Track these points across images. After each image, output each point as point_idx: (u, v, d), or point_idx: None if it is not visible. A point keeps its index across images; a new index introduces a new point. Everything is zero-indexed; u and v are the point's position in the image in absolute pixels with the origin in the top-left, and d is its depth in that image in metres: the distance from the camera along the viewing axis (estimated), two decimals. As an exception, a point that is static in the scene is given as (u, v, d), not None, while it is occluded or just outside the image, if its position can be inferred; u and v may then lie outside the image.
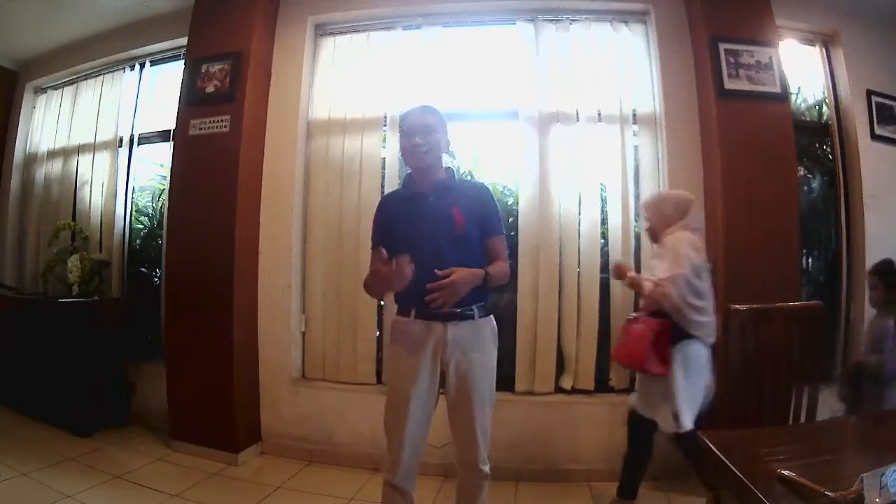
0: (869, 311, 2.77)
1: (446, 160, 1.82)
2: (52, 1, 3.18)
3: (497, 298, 2.80)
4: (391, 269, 1.45)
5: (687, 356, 1.97)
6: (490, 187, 1.79)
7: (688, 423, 1.93)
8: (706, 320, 1.98)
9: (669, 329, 1.95)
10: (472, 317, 1.61)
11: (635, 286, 2.13)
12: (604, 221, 2.81)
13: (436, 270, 1.50)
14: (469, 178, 3.13)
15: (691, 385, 1.97)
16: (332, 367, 2.93)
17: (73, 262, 3.25)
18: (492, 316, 1.69)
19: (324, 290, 2.94)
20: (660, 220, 2.15)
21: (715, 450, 1.22)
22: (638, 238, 2.78)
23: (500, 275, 1.64)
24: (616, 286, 2.74)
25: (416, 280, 1.50)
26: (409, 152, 1.66)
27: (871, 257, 2.74)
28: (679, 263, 1.95)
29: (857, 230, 2.80)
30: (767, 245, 2.44)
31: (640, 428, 2.13)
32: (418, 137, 1.62)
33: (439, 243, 1.58)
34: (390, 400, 1.66)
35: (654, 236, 2.17)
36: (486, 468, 1.63)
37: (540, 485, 2.51)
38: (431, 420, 1.66)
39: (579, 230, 2.78)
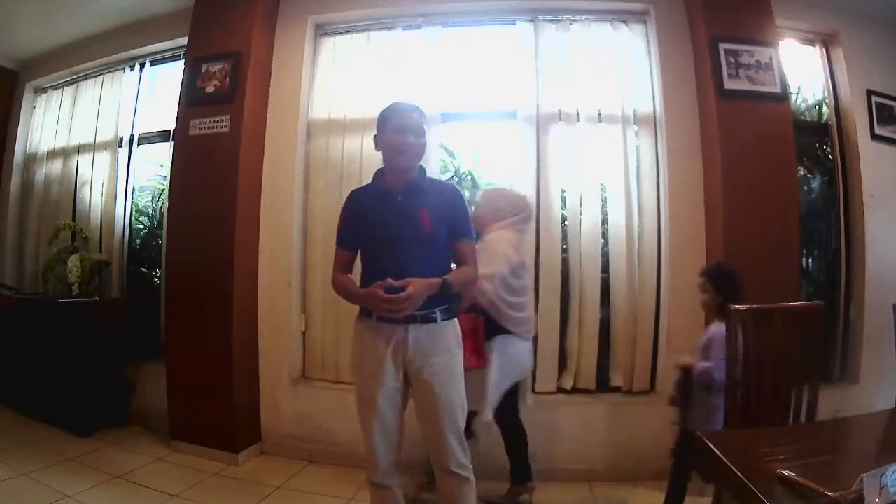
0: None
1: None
2: (52, 1, 3.18)
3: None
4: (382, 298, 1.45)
5: (503, 350, 2.04)
6: (459, 189, 1.75)
7: (488, 414, 2.00)
8: (522, 316, 2.07)
9: (483, 324, 2.01)
10: (434, 320, 1.59)
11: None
12: (604, 221, 2.81)
13: (390, 280, 1.47)
14: (460, 178, 3.14)
15: (504, 377, 2.04)
16: (333, 367, 2.93)
17: (73, 262, 3.24)
18: (456, 320, 1.66)
19: (324, 289, 2.94)
20: (490, 213, 2.18)
21: (715, 450, 1.22)
22: (639, 238, 2.78)
23: (464, 281, 1.62)
24: (616, 286, 2.74)
25: (378, 280, 1.50)
26: (399, 150, 1.61)
27: (872, 257, 2.75)
28: (495, 262, 2.01)
29: (857, 230, 2.80)
30: (767, 245, 2.44)
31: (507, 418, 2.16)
32: (412, 137, 1.61)
33: (406, 244, 1.56)
34: (359, 400, 1.65)
35: (480, 229, 2.16)
36: (464, 472, 1.59)
37: (540, 485, 2.51)
38: (403, 418, 1.66)
39: (579, 230, 2.78)
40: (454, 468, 1.58)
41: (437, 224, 1.60)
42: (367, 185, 1.74)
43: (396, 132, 1.62)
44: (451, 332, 1.64)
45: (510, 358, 2.08)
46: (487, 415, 2.02)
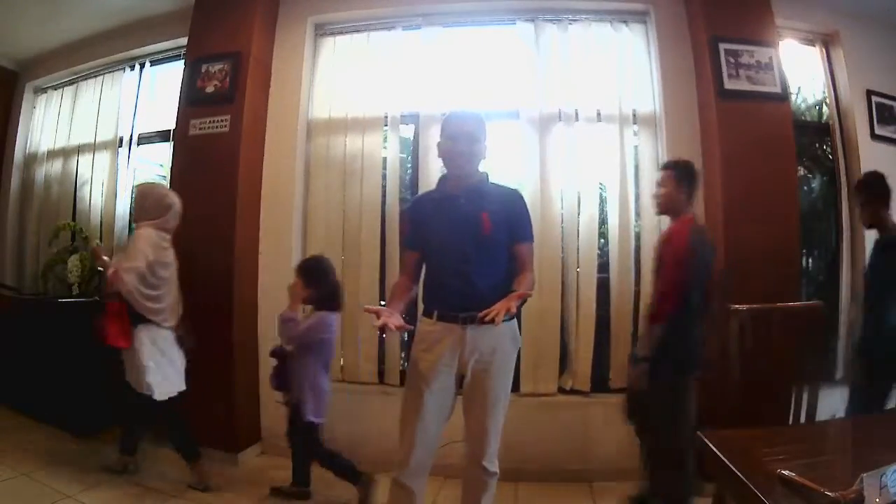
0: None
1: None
2: (52, 1, 3.18)
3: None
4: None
5: (147, 335, 2.29)
6: (521, 194, 1.77)
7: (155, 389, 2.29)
8: (159, 307, 2.32)
9: (126, 309, 2.24)
10: (492, 321, 1.60)
11: (103, 266, 2.33)
12: (603, 221, 2.81)
13: (479, 315, 1.44)
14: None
15: (160, 361, 2.33)
16: (334, 367, 2.92)
17: (73, 262, 3.24)
18: (514, 320, 1.69)
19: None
20: (139, 211, 2.42)
21: (715, 450, 1.22)
22: (638, 237, 2.78)
23: (530, 289, 1.61)
24: (615, 286, 2.74)
25: (440, 282, 1.56)
26: (449, 157, 1.67)
27: (871, 257, 2.74)
28: (135, 257, 2.23)
29: (857, 230, 2.80)
30: (767, 245, 2.43)
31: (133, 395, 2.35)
32: (462, 144, 1.64)
33: (466, 246, 1.60)
34: (406, 397, 1.68)
35: (137, 221, 2.42)
36: (494, 467, 1.65)
37: (540, 485, 2.51)
38: (444, 424, 1.67)
39: (579, 230, 2.78)
40: (486, 462, 1.62)
41: (498, 227, 1.63)
42: (431, 191, 1.82)
43: (446, 139, 1.68)
44: (507, 332, 1.66)
45: (159, 343, 2.35)
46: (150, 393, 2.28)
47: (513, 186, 1.81)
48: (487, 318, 1.40)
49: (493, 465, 1.65)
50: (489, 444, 1.63)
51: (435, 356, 1.62)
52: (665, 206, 2.16)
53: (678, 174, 2.13)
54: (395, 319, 1.45)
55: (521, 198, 1.75)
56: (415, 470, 1.63)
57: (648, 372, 1.96)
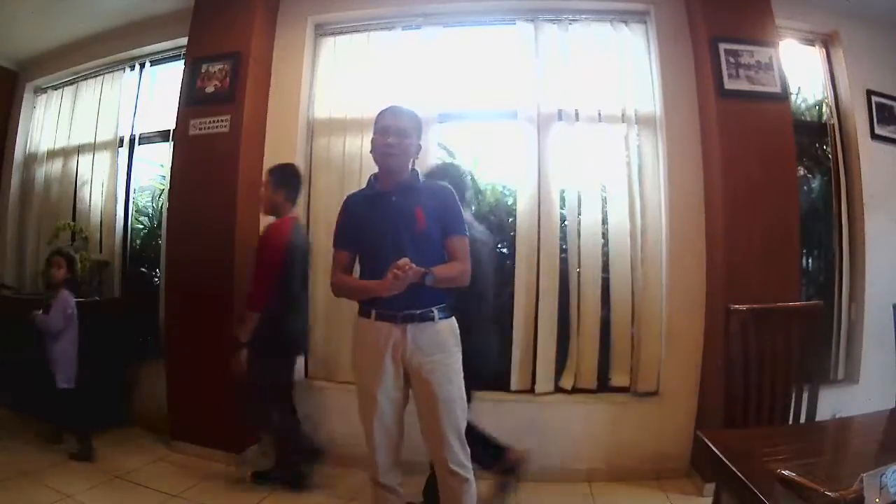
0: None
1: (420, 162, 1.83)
2: (52, 1, 3.18)
3: (498, 298, 2.80)
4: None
5: None
6: (452, 189, 1.74)
7: None
8: None
9: None
10: (431, 318, 1.60)
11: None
12: (604, 221, 2.81)
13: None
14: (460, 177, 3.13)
15: None
16: (333, 368, 2.93)
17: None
18: (453, 318, 1.68)
19: (324, 289, 2.93)
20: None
21: (715, 450, 1.22)
22: (637, 238, 2.78)
23: (451, 275, 1.60)
24: (616, 286, 2.74)
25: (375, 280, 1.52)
26: (379, 151, 1.65)
27: (872, 257, 2.74)
28: None
29: (857, 230, 2.80)
30: (767, 245, 2.44)
31: None
32: (391, 138, 1.63)
33: (401, 242, 1.58)
34: (359, 400, 1.67)
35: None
36: (464, 471, 1.60)
37: (540, 485, 2.51)
38: (403, 417, 1.66)
39: (579, 230, 2.78)
40: (453, 466, 1.59)
41: (431, 222, 1.62)
42: (362, 189, 1.79)
43: (377, 133, 1.66)
44: (448, 330, 1.65)
45: None
46: None
47: (442, 183, 1.77)
48: (399, 277, 1.45)
49: (463, 468, 1.60)
50: (451, 447, 1.58)
51: (379, 353, 1.60)
52: (266, 207, 2.45)
53: (274, 179, 2.41)
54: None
55: (453, 193, 1.72)
56: (386, 468, 1.64)
57: (248, 356, 2.25)
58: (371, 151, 1.70)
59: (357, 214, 1.71)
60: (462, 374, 1.66)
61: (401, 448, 1.68)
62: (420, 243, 1.59)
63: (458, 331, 1.68)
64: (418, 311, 1.58)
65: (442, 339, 1.62)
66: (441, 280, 1.56)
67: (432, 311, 1.60)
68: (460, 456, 1.60)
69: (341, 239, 1.73)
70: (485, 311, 2.08)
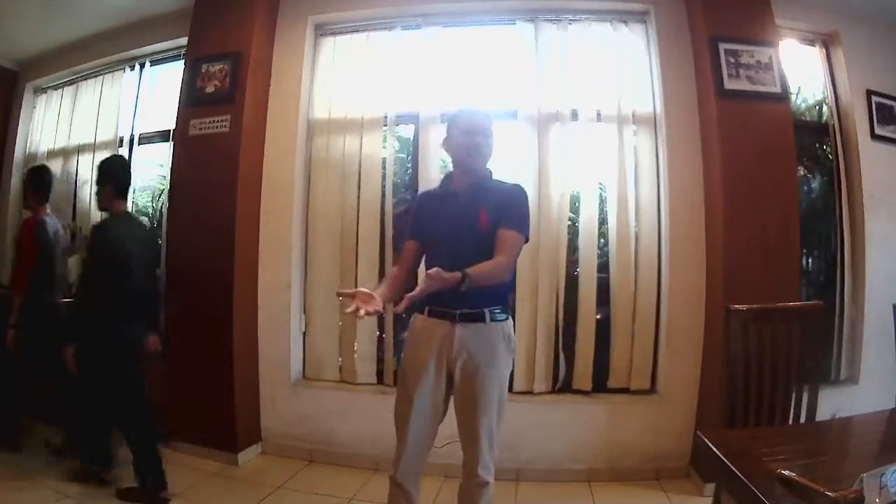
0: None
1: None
2: (52, 1, 3.18)
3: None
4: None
5: None
6: (522, 188, 1.71)
7: None
8: None
9: None
10: (482, 319, 1.59)
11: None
12: (603, 221, 2.81)
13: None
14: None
15: None
16: (333, 368, 2.93)
17: (73, 262, 3.24)
18: (510, 320, 1.66)
19: (325, 289, 2.94)
20: None
21: (715, 450, 1.22)
22: (637, 238, 2.78)
23: (486, 271, 1.49)
24: (616, 286, 2.74)
25: None
26: (467, 150, 1.65)
27: (872, 257, 2.75)
28: None
29: (857, 230, 2.80)
30: (767, 245, 2.44)
31: None
32: (480, 138, 1.65)
33: (461, 243, 1.59)
34: (399, 395, 1.67)
35: None
36: (486, 475, 1.58)
37: (540, 485, 2.51)
38: (439, 420, 1.65)
39: (578, 230, 2.78)
40: (480, 470, 1.57)
41: (493, 223, 1.61)
42: (435, 188, 1.82)
43: (464, 133, 1.67)
44: (499, 332, 1.62)
45: None
46: None
47: (515, 183, 1.75)
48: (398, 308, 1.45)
49: (487, 472, 1.58)
50: (481, 450, 1.57)
51: (425, 353, 1.60)
52: (26, 203, 2.84)
53: (27, 179, 2.81)
54: (370, 304, 1.35)
55: (522, 192, 1.69)
56: (407, 469, 1.62)
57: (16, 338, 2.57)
58: (448, 150, 1.73)
59: (427, 208, 1.75)
60: (507, 380, 1.66)
61: (425, 455, 1.66)
62: (480, 245, 1.57)
63: (512, 335, 1.67)
64: (469, 311, 1.58)
65: (491, 340, 1.60)
66: (476, 279, 1.44)
67: (484, 312, 1.59)
68: (488, 459, 1.59)
69: (409, 229, 1.79)
70: None
